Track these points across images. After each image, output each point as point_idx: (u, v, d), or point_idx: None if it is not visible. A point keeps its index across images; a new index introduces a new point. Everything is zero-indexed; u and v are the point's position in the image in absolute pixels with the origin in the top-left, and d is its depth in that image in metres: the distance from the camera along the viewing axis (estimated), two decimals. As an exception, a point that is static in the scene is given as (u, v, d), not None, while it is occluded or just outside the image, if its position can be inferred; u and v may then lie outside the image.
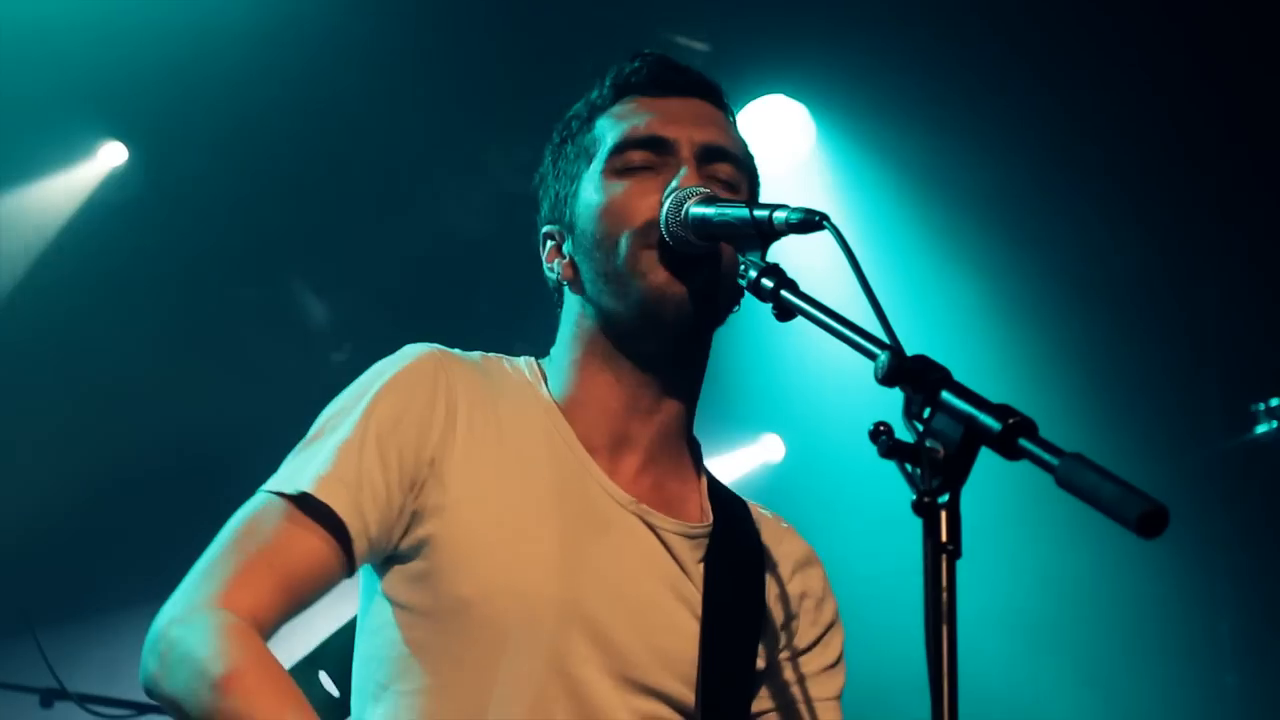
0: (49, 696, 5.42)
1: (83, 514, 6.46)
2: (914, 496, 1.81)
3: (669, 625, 2.48)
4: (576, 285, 2.58)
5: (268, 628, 2.29)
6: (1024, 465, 1.82)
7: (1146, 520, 1.65)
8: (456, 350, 2.58)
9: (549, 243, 2.64)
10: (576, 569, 2.42)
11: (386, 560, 2.44)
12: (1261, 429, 6.12)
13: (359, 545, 2.35)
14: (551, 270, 2.63)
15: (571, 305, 2.61)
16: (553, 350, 2.64)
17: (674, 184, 2.46)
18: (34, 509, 6.32)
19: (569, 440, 2.52)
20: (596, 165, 2.56)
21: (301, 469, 2.38)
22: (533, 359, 2.65)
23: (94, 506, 6.48)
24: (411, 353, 2.52)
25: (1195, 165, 6.56)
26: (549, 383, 2.59)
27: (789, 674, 2.60)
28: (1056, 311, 6.74)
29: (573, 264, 2.58)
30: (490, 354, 2.64)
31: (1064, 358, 6.64)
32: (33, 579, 6.09)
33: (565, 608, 2.40)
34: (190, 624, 2.23)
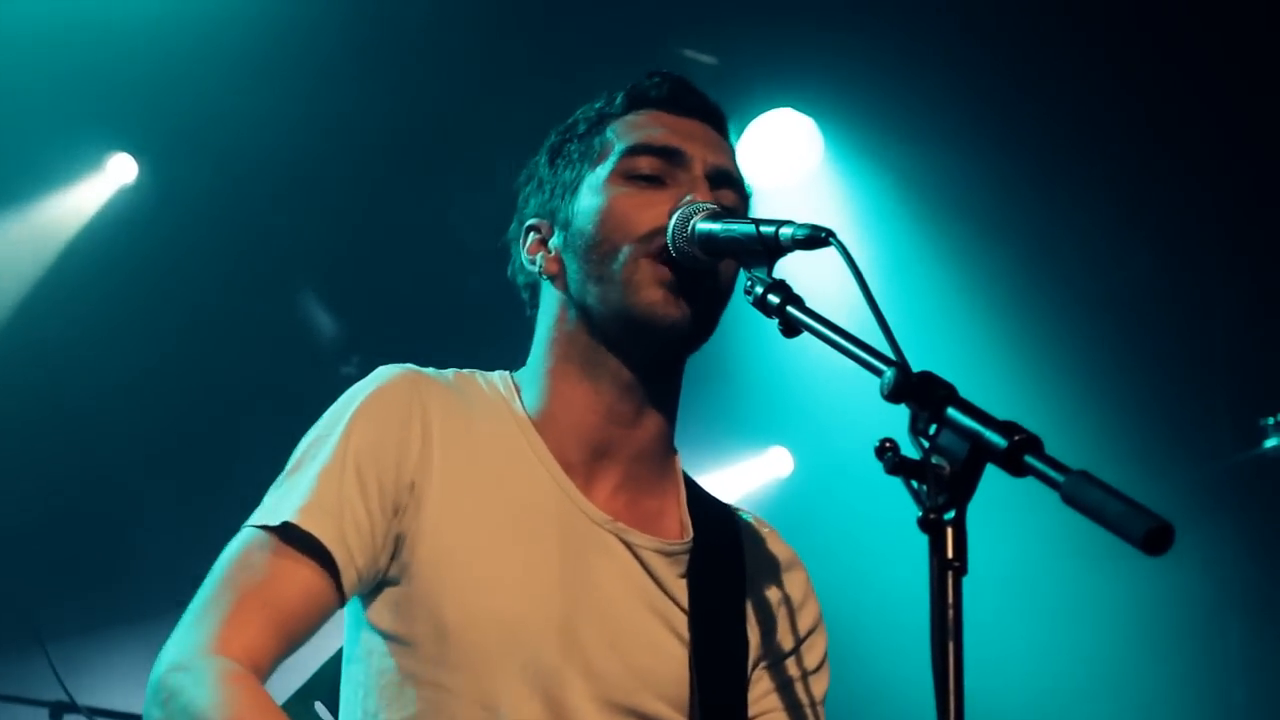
0: (59, 710, 5.42)
1: (92, 527, 6.48)
2: (920, 513, 1.82)
3: (649, 645, 2.47)
4: (560, 282, 2.56)
5: (265, 668, 2.28)
6: (1029, 481, 1.83)
7: (1152, 537, 1.65)
8: (430, 370, 2.56)
9: (532, 235, 2.62)
10: (554, 591, 2.41)
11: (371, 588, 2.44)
12: (1271, 443, 6.11)
13: (347, 574, 2.34)
14: (532, 263, 2.60)
15: (551, 303, 2.58)
16: (529, 359, 2.61)
17: (686, 199, 2.45)
18: (44, 522, 6.34)
19: (543, 457, 2.50)
20: (604, 167, 2.54)
21: (284, 500, 2.37)
22: (507, 374, 2.62)
23: (103, 520, 6.49)
24: (383, 375, 2.51)
25: (1203, 178, 6.55)
26: (524, 396, 2.56)
27: (772, 680, 2.58)
28: (1064, 326, 6.74)
29: (559, 259, 2.56)
30: (464, 370, 2.62)
31: (1072, 372, 6.63)
32: (43, 592, 6.10)
33: (544, 631, 2.39)
34: (190, 671, 2.23)
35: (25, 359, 6.25)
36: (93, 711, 5.34)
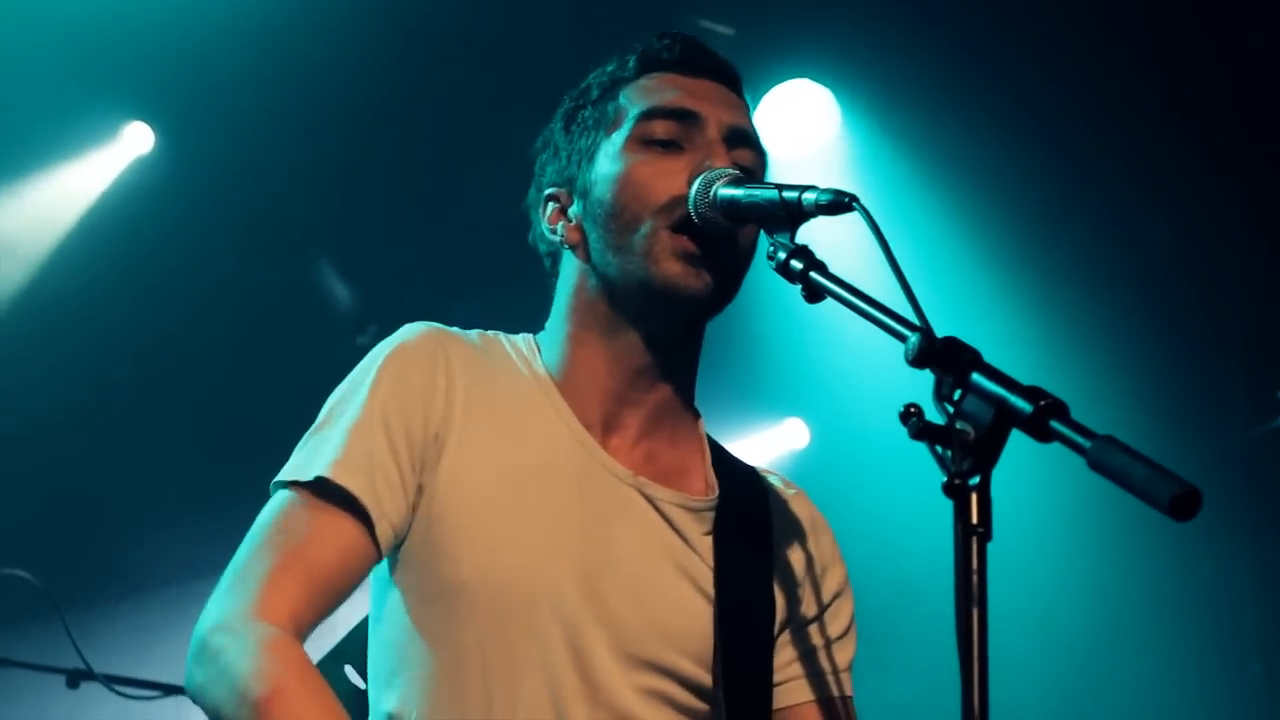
0: (76, 677, 5.43)
1: (110, 495, 6.48)
2: (944, 479, 1.81)
3: (672, 600, 2.46)
4: (581, 251, 2.56)
5: (306, 628, 2.30)
6: (1049, 452, 1.82)
7: (1179, 502, 1.64)
8: (455, 329, 2.57)
9: (551, 205, 2.62)
10: (575, 546, 2.42)
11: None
12: (1286, 416, 6.12)
13: (381, 528, 2.35)
14: (554, 233, 2.60)
15: (571, 272, 2.59)
16: (548, 323, 2.62)
17: (706, 164, 2.44)
18: (61, 490, 6.35)
19: (564, 415, 2.51)
20: (620, 134, 2.53)
21: (314, 456, 2.38)
22: (530, 336, 2.63)
23: (121, 488, 6.50)
24: (409, 331, 2.52)
25: (1221, 151, 6.53)
26: (544, 357, 2.57)
27: (797, 645, 2.58)
28: (1081, 298, 6.72)
29: (579, 228, 2.56)
30: (488, 332, 2.63)
31: (1088, 345, 6.62)
32: (60, 560, 6.11)
33: (565, 586, 2.39)
34: (233, 634, 2.24)
35: (40, 327, 6.26)
36: (110, 679, 5.35)
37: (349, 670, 2.67)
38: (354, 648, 2.61)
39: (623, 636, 2.41)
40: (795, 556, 2.61)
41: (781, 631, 2.58)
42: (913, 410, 1.84)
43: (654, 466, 2.53)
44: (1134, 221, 6.71)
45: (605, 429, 2.52)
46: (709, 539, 2.52)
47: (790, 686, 2.56)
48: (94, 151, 6.30)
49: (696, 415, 2.65)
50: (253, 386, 6.58)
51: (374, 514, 2.34)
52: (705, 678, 2.47)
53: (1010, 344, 6.20)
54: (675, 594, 2.47)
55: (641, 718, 2.41)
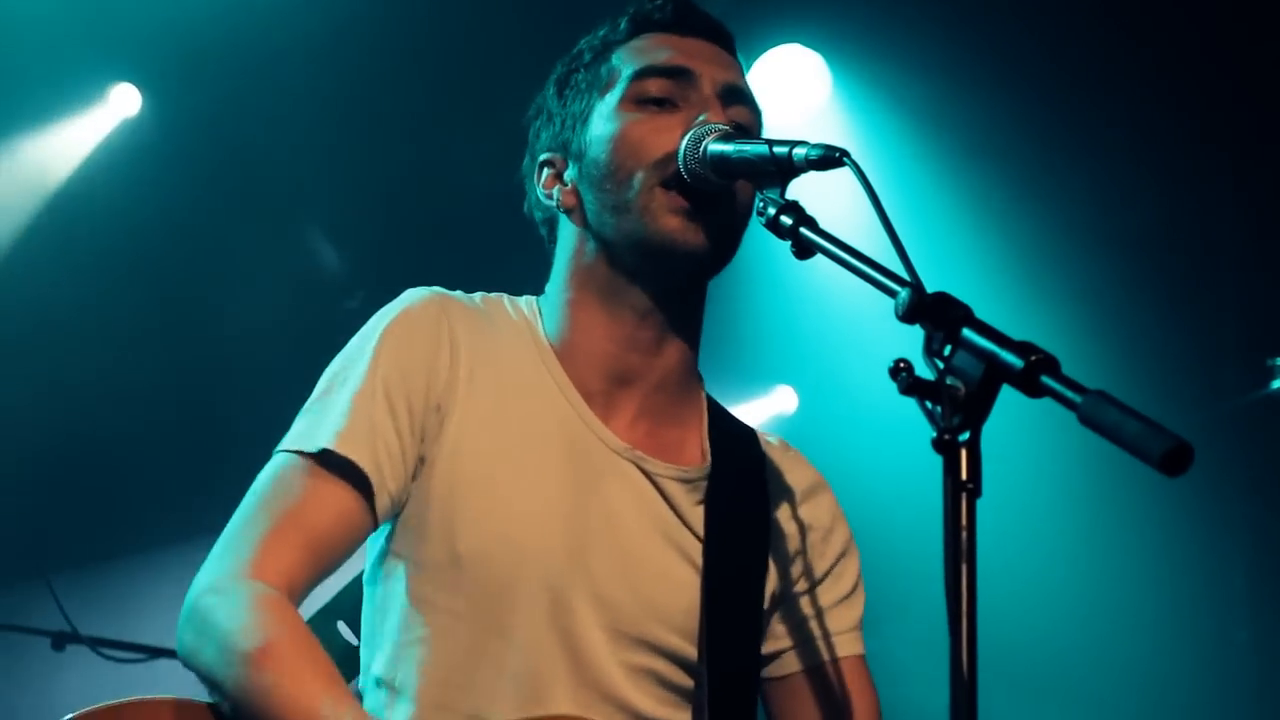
0: (61, 639, 5.44)
1: (96, 459, 6.47)
2: (934, 435, 1.78)
3: (662, 576, 2.45)
4: (578, 215, 2.54)
5: (300, 592, 2.30)
6: (1038, 412, 1.80)
7: (1170, 457, 1.63)
8: (457, 293, 2.56)
9: (546, 170, 2.60)
10: (568, 520, 2.41)
11: None
12: (1278, 383, 6.09)
13: (380, 498, 2.35)
14: (549, 198, 2.58)
15: (569, 237, 2.57)
16: (547, 288, 2.60)
17: (699, 120, 2.42)
18: (48, 453, 6.33)
19: (564, 386, 2.49)
20: (614, 94, 2.52)
21: (318, 425, 2.37)
22: (533, 299, 2.61)
23: (107, 452, 6.48)
24: (412, 297, 2.51)
25: (1215, 117, 6.51)
26: (545, 323, 2.55)
27: (803, 609, 2.57)
28: (1074, 263, 6.70)
29: (575, 192, 2.54)
30: (491, 294, 2.62)
31: (1080, 309, 6.60)
32: (46, 523, 6.10)
33: (558, 560, 2.38)
34: (223, 594, 2.23)
35: (27, 289, 6.23)
36: (95, 641, 5.35)
37: (341, 626, 2.67)
38: (347, 604, 2.61)
39: (611, 612, 2.40)
40: (794, 521, 2.60)
41: (781, 597, 2.57)
42: (902, 365, 1.82)
43: (653, 439, 2.51)
44: (1128, 186, 6.69)
45: (606, 400, 2.50)
46: (701, 509, 2.51)
47: (796, 652, 2.56)
48: (81, 113, 6.26)
49: (699, 380, 2.64)
50: (241, 349, 6.56)
51: (375, 485, 2.34)
52: (692, 653, 2.47)
53: (1001, 309, 6.18)
54: (664, 568, 2.46)
55: (626, 695, 2.41)
